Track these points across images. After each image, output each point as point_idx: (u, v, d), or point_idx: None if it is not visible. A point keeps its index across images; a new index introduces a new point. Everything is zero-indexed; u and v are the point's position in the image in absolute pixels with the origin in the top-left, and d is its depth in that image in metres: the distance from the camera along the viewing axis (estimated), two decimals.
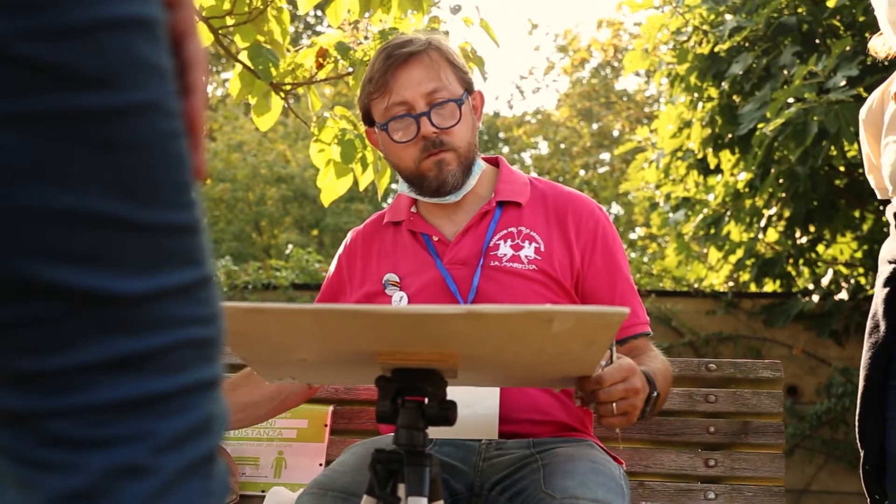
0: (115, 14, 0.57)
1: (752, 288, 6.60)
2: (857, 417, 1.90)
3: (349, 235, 1.91)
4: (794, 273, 6.36)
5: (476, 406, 1.64)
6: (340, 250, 1.90)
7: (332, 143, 2.74)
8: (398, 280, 1.76)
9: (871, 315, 1.92)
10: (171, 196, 0.61)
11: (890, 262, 1.87)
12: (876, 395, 1.86)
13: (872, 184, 2.06)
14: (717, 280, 7.01)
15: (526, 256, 1.71)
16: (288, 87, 2.75)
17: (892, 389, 1.85)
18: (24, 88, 0.55)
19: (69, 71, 0.56)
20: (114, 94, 0.58)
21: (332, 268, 1.90)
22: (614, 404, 1.38)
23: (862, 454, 1.88)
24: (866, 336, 1.91)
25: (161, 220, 0.61)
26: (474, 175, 1.77)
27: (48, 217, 0.56)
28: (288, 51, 2.75)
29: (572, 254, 1.73)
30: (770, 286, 6.53)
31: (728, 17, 5.66)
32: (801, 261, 6.22)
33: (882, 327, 1.86)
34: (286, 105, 2.76)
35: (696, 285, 7.09)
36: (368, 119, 1.80)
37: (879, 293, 1.88)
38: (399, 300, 1.73)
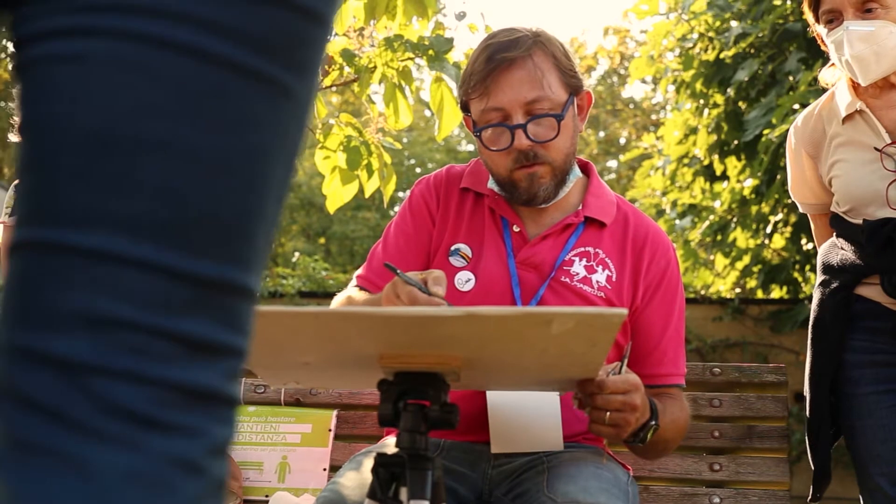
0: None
1: (759, 294, 6.60)
2: (806, 429, 1.89)
3: (426, 181, 1.79)
4: (800, 279, 6.34)
5: (538, 417, 1.59)
6: (416, 191, 1.78)
7: (338, 149, 2.74)
8: (470, 256, 1.69)
9: (812, 323, 1.89)
10: None
11: (836, 270, 1.86)
12: (825, 405, 1.85)
13: (799, 197, 2.02)
14: (724, 286, 7.00)
15: (597, 282, 1.65)
16: None
17: (848, 397, 1.84)
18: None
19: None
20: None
21: (402, 213, 1.77)
22: (608, 413, 1.38)
23: (813, 466, 1.88)
24: (810, 344, 1.89)
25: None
26: (569, 183, 1.69)
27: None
28: None
29: (636, 287, 1.68)
30: (777, 292, 6.52)
31: (733, 23, 5.66)
32: (807, 267, 6.21)
33: (831, 336, 1.85)
34: None
35: (702, 292, 7.08)
36: (466, 108, 1.70)
37: (827, 301, 1.86)
38: (466, 282, 1.67)
